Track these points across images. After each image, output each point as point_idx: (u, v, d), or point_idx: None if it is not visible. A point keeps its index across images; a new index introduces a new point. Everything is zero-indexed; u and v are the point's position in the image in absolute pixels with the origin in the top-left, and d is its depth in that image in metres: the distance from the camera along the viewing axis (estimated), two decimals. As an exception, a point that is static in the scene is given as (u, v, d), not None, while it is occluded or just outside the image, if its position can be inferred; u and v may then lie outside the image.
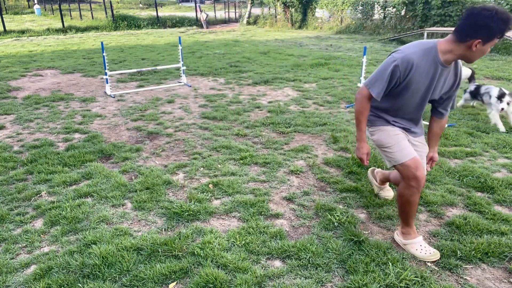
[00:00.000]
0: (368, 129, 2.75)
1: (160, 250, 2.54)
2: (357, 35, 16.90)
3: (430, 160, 2.79)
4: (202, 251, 2.53)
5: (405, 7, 15.87)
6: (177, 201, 3.20)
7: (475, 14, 2.16)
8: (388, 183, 3.20)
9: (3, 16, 18.81)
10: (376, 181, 3.27)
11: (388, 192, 3.26)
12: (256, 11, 24.89)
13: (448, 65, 2.39)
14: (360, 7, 18.08)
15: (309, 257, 2.49)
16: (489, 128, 4.83)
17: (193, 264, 2.44)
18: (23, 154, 4.25)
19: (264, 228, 2.81)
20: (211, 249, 2.54)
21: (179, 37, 8.00)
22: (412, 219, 2.60)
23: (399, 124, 2.71)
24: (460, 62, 2.47)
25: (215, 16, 25.28)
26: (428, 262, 2.49)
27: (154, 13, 23.08)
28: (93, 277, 2.33)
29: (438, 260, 2.48)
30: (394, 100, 2.58)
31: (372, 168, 3.43)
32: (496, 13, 2.10)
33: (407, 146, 2.57)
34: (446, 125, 4.87)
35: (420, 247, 2.55)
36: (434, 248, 2.58)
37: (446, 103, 2.72)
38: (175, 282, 2.30)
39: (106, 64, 6.75)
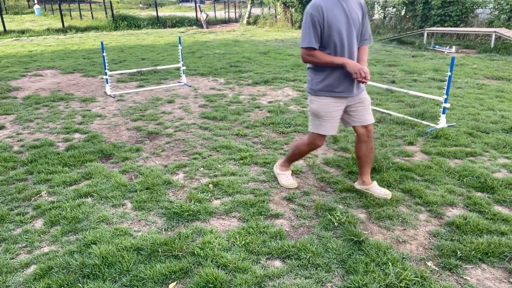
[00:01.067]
0: (311, 96, 3.02)
1: (160, 250, 2.55)
2: (357, 35, 16.88)
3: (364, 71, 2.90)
4: (202, 251, 2.53)
5: (405, 7, 15.87)
6: (177, 201, 3.20)
7: None
8: (372, 182, 3.30)
9: (3, 16, 18.81)
10: (367, 185, 3.32)
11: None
12: (256, 11, 24.89)
13: None
14: (360, 7, 18.05)
15: (309, 257, 2.49)
16: (489, 128, 4.83)
17: (193, 264, 2.44)
18: (23, 154, 4.25)
19: (264, 228, 2.81)
20: (211, 249, 2.55)
21: (179, 37, 8.01)
22: (294, 162, 3.50)
23: (341, 91, 2.93)
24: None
25: (215, 16, 25.28)
26: (290, 188, 3.37)
27: (154, 13, 23.08)
28: (93, 277, 2.33)
29: (295, 188, 3.39)
30: (331, 48, 2.82)
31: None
32: None
33: (332, 126, 3.03)
34: (447, 125, 4.87)
35: (287, 178, 3.47)
36: (434, 247, 2.59)
37: (364, 33, 2.97)
38: (175, 282, 2.30)
39: (106, 64, 6.75)
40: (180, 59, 7.61)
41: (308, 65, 2.99)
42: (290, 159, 3.43)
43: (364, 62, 2.94)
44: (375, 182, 3.23)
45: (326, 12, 2.70)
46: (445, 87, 4.76)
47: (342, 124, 3.17)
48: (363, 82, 2.83)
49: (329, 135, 3.07)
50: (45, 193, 3.37)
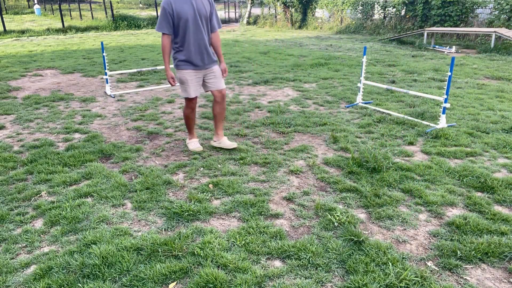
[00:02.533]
0: (176, 70, 3.96)
1: (160, 250, 2.55)
2: (357, 35, 16.90)
3: (224, 71, 4.10)
4: (202, 251, 2.53)
5: (405, 7, 15.88)
6: (177, 201, 3.20)
7: None
8: (223, 137, 4.33)
9: (3, 16, 18.81)
10: (220, 139, 4.30)
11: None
12: (256, 11, 24.89)
13: None
14: (360, 7, 18.09)
15: (309, 257, 2.49)
16: (489, 128, 4.83)
17: (193, 264, 2.44)
18: (23, 154, 4.25)
19: (264, 228, 2.81)
20: (211, 249, 2.55)
21: (179, 37, 8.00)
22: (192, 129, 4.31)
23: (192, 64, 3.88)
24: None
25: (215, 16, 25.23)
26: (196, 151, 4.23)
27: (154, 13, 23.08)
28: (93, 277, 2.33)
29: (200, 151, 4.21)
30: (182, 36, 3.78)
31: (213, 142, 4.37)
32: None
33: (193, 89, 3.97)
34: (447, 125, 4.87)
35: (193, 143, 4.31)
36: (434, 247, 2.60)
37: (213, 22, 3.94)
38: (175, 282, 2.30)
39: (106, 64, 6.75)
40: (180, 59, 7.60)
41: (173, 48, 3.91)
42: (188, 128, 4.35)
43: (218, 50, 4.03)
44: (226, 137, 4.37)
45: (175, 7, 3.66)
46: (445, 87, 4.76)
47: (203, 88, 4.12)
48: (172, 85, 3.95)
49: (193, 96, 4.02)
50: (45, 193, 3.37)
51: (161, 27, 3.72)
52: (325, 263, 2.45)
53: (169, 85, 7.48)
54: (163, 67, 8.08)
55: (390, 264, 2.40)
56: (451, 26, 14.08)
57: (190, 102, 4.09)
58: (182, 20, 3.69)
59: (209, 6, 3.85)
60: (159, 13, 3.49)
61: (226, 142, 4.27)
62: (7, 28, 17.84)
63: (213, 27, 3.96)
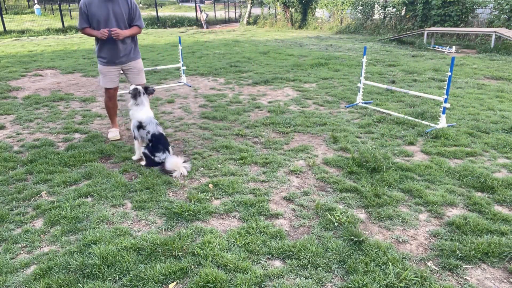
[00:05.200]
0: (99, 66, 4.49)
1: (160, 250, 2.55)
2: (357, 35, 16.90)
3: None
4: (202, 251, 2.53)
5: (405, 7, 15.88)
6: (177, 201, 3.20)
7: None
8: (117, 126, 4.86)
9: (3, 16, 18.81)
10: (115, 129, 4.76)
11: (115, 133, 4.70)
12: (256, 11, 24.90)
13: (112, 0, 4.21)
14: (360, 7, 18.09)
15: (309, 257, 2.49)
16: (489, 128, 4.83)
17: (193, 264, 2.44)
18: (23, 154, 4.25)
19: (264, 228, 2.81)
20: (211, 249, 2.54)
21: (179, 37, 8.01)
22: (114, 118, 4.82)
23: (109, 61, 4.43)
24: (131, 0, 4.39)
25: (215, 16, 25.28)
26: (113, 140, 4.63)
27: (154, 13, 23.08)
28: (93, 277, 2.33)
29: (117, 140, 4.57)
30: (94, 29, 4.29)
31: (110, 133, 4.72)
32: None
33: (110, 82, 4.53)
34: (447, 125, 4.87)
35: (112, 133, 4.68)
36: (434, 247, 2.61)
37: (134, 20, 4.43)
38: (175, 282, 2.30)
39: (106, 64, 6.74)
40: (180, 59, 7.61)
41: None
42: (110, 117, 4.83)
43: (125, 31, 4.36)
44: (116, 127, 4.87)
45: (90, 9, 4.18)
46: (445, 87, 4.76)
47: (127, 80, 4.71)
48: (116, 36, 4.23)
49: (109, 87, 4.57)
50: (45, 193, 3.37)
51: (81, 24, 4.28)
52: (325, 263, 2.45)
53: (170, 85, 7.49)
54: (163, 67, 8.11)
55: (390, 264, 2.40)
56: (451, 26, 14.08)
57: (107, 92, 4.64)
58: (95, 21, 4.23)
59: (130, 8, 4.37)
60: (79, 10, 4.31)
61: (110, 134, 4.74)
62: (7, 28, 17.84)
63: (134, 24, 4.46)
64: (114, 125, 4.82)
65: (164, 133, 3.97)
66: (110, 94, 4.62)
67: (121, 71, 4.62)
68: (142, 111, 3.88)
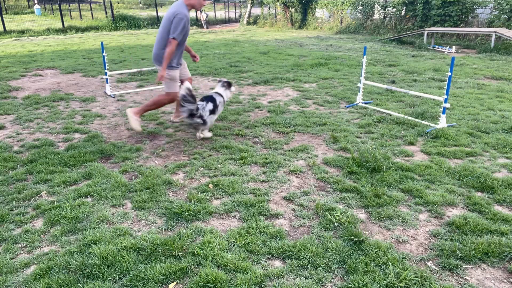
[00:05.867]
0: (167, 70, 4.54)
1: (160, 250, 2.55)
2: (357, 35, 16.90)
3: (194, 57, 5.21)
4: (202, 251, 2.53)
5: (405, 7, 15.88)
6: (177, 201, 3.20)
7: None
8: (178, 117, 5.11)
9: (3, 16, 18.81)
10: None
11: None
12: (256, 11, 24.89)
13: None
14: (360, 7, 18.09)
15: (309, 257, 2.49)
16: (489, 128, 4.83)
17: (193, 264, 2.44)
18: (23, 154, 4.25)
19: (264, 228, 2.81)
20: (211, 249, 2.54)
21: (179, 37, 7.99)
22: (146, 111, 4.95)
23: (178, 64, 4.72)
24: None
25: (215, 16, 25.28)
26: (135, 130, 4.83)
27: (154, 13, 23.08)
28: (93, 277, 2.33)
29: (139, 132, 4.81)
30: (181, 45, 4.58)
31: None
32: None
33: (177, 86, 4.70)
34: (447, 125, 4.87)
35: (136, 121, 4.75)
36: (434, 247, 2.61)
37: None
38: (175, 282, 2.30)
39: (106, 64, 6.75)
40: (180, 59, 7.59)
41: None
42: (146, 110, 4.89)
43: (192, 53, 5.21)
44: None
45: (188, 22, 4.47)
46: (445, 87, 4.76)
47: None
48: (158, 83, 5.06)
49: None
50: (45, 193, 3.37)
51: (178, 37, 4.38)
52: (325, 263, 2.45)
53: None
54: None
55: (390, 264, 2.40)
56: (451, 26, 14.08)
57: (172, 99, 4.86)
58: (186, 35, 4.53)
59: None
60: (175, 22, 4.38)
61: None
62: (7, 28, 17.84)
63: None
64: (139, 116, 4.91)
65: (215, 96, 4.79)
66: (175, 99, 4.85)
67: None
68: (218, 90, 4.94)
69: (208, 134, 4.67)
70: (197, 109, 4.35)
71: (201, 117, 4.38)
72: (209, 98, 4.61)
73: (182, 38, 4.47)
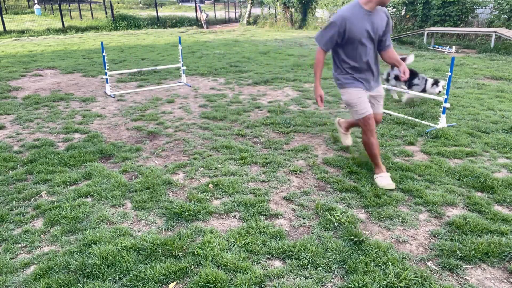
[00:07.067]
0: (340, 90, 3.54)
1: (160, 250, 2.55)
2: (357, 35, 16.87)
3: (403, 71, 3.41)
4: (202, 251, 2.53)
5: (405, 7, 15.87)
6: (177, 201, 3.20)
7: None
8: (350, 130, 4.16)
9: (3, 16, 18.80)
10: (342, 129, 4.15)
11: (348, 140, 4.19)
12: (256, 11, 24.89)
13: (372, 11, 3.22)
14: (360, 7, 18.04)
15: (309, 257, 2.49)
16: (489, 128, 4.83)
17: (193, 264, 2.44)
18: (23, 154, 4.25)
19: (264, 228, 2.81)
20: (211, 249, 2.55)
21: (179, 37, 8.01)
22: (377, 159, 3.48)
23: (361, 80, 3.43)
24: (384, 8, 3.33)
25: (215, 16, 25.28)
26: (386, 188, 3.37)
27: (154, 13, 23.08)
28: (93, 277, 2.33)
29: (393, 189, 3.38)
30: (351, 52, 3.33)
31: (337, 119, 4.25)
32: None
33: (366, 106, 3.40)
34: (447, 125, 4.87)
35: (383, 178, 3.43)
36: (434, 247, 2.60)
37: (386, 38, 3.44)
38: (175, 282, 2.30)
39: (106, 64, 6.75)
40: (180, 59, 7.61)
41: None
42: (373, 158, 3.52)
43: (399, 61, 3.47)
44: (386, 173, 3.55)
45: (349, 25, 3.19)
46: (445, 87, 4.76)
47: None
48: (320, 106, 3.49)
49: (371, 111, 3.52)
50: (45, 193, 3.37)
51: (321, 43, 3.34)
52: (325, 263, 2.45)
53: (170, 85, 7.48)
54: (163, 67, 8.09)
55: (390, 264, 2.40)
56: (451, 26, 14.08)
57: (368, 124, 3.39)
58: (355, 38, 3.24)
59: (387, 22, 3.35)
60: (326, 25, 3.28)
61: (380, 179, 3.43)
62: (7, 28, 17.84)
63: (386, 46, 3.45)
64: (381, 169, 3.50)
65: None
66: (371, 122, 3.43)
67: None
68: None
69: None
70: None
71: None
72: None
73: (351, 49, 3.38)
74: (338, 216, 2.93)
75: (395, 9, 16.34)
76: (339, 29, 3.20)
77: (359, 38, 3.23)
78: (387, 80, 6.07)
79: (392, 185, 3.38)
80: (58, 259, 2.48)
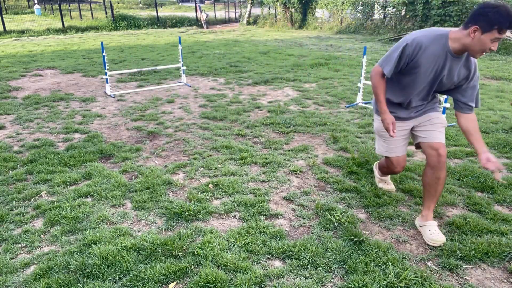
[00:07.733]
0: (375, 114, 2.99)
1: (160, 250, 2.54)
2: (357, 35, 16.90)
3: (487, 161, 2.49)
4: (202, 251, 2.53)
5: (405, 7, 15.87)
6: (177, 201, 3.20)
7: (481, 4, 2.30)
8: (430, 220, 2.79)
9: (3, 16, 18.80)
10: (379, 174, 3.40)
11: (390, 186, 3.38)
12: (256, 11, 24.89)
13: (458, 55, 2.46)
14: (360, 7, 18.08)
15: (309, 257, 2.49)
16: (489, 128, 4.83)
17: (193, 264, 2.44)
18: (23, 154, 4.25)
19: (264, 228, 2.81)
20: (211, 249, 2.54)
21: (179, 37, 8.01)
22: (430, 202, 2.76)
23: (393, 114, 2.77)
24: (473, 59, 2.53)
25: (215, 16, 25.28)
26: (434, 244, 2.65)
27: (154, 13, 23.08)
28: (93, 277, 2.33)
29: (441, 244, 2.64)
30: (400, 81, 2.70)
31: (376, 162, 3.52)
32: (498, 6, 2.22)
33: (397, 145, 2.90)
34: (447, 125, 4.86)
35: (430, 231, 2.69)
36: (434, 247, 2.61)
37: (465, 96, 2.66)
38: (175, 282, 2.30)
39: (106, 64, 6.75)
40: (180, 59, 7.61)
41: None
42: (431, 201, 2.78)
43: (483, 149, 2.54)
44: (434, 223, 2.76)
45: (421, 55, 2.47)
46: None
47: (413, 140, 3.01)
48: (391, 135, 2.66)
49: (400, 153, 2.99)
50: (45, 193, 3.37)
51: (385, 65, 2.61)
52: (325, 263, 2.45)
53: (170, 85, 7.48)
54: (163, 67, 8.08)
55: (390, 264, 2.40)
56: (451, 26, 14.07)
57: (393, 167, 3.02)
58: (415, 72, 2.57)
59: (468, 76, 2.57)
60: (395, 45, 2.58)
61: (428, 233, 2.70)
62: (7, 28, 17.84)
63: (466, 106, 2.69)
64: (427, 217, 2.79)
65: None
66: (398, 169, 3.03)
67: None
68: None
69: None
70: None
71: None
72: None
73: (402, 79, 2.71)
74: (338, 216, 2.93)
75: (395, 9, 16.34)
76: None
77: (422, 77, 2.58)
78: None
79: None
80: (58, 259, 2.48)
